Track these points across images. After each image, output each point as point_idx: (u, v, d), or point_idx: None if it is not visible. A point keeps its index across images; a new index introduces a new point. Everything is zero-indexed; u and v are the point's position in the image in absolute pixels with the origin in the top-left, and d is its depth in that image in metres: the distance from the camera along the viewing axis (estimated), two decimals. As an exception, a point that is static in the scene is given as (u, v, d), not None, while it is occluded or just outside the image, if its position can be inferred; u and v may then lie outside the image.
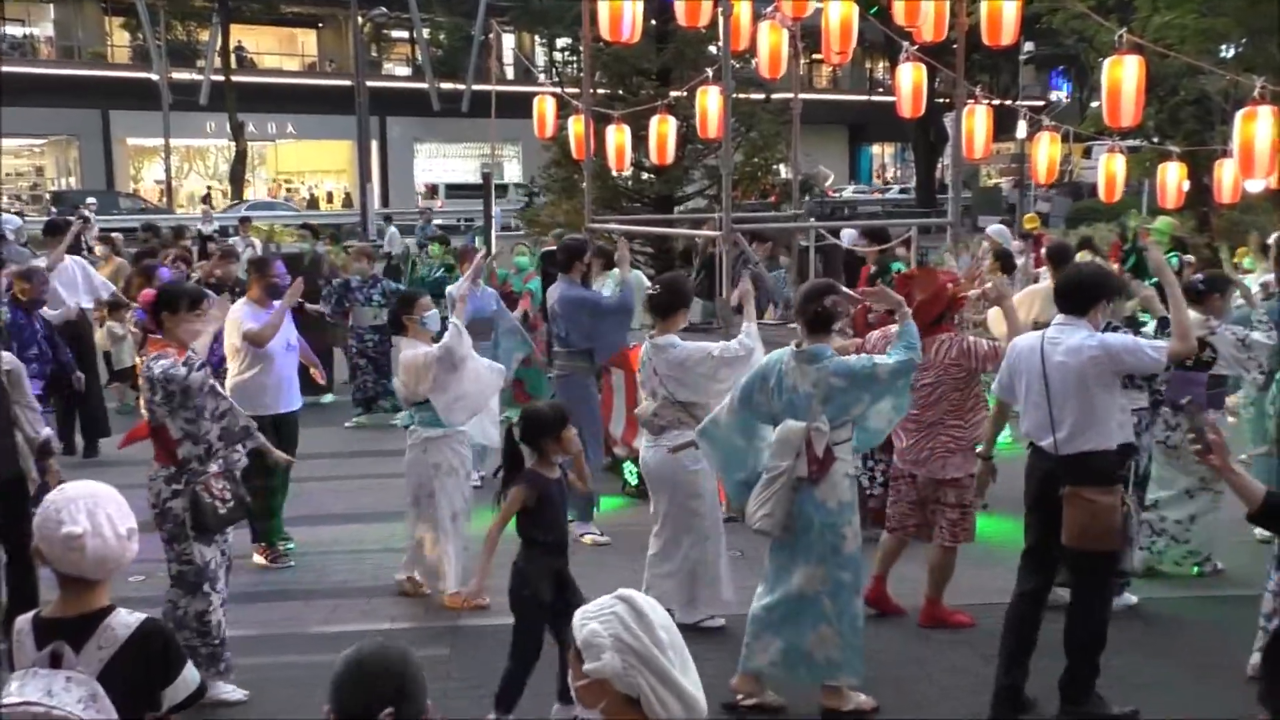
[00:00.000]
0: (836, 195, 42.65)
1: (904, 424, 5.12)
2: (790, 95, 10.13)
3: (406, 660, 1.92)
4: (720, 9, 7.20)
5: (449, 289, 8.30)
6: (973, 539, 5.22)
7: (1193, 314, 5.27)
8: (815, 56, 29.26)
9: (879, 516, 5.93)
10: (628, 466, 7.52)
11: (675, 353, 5.03)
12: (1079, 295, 4.29)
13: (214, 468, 4.41)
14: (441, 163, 47.94)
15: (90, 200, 25.16)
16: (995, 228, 10.97)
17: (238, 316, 6.16)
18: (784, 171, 17.28)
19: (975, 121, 8.15)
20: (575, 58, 21.51)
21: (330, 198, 45.87)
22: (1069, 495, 4.17)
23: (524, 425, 4.19)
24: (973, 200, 34.01)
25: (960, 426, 5.09)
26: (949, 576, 5.27)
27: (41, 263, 8.63)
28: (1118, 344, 4.20)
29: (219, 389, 4.53)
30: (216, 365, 5.85)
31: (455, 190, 36.49)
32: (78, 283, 8.85)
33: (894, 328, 4.73)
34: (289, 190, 45.57)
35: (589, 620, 1.81)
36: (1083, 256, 8.91)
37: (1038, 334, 4.38)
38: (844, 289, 4.64)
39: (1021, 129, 24.12)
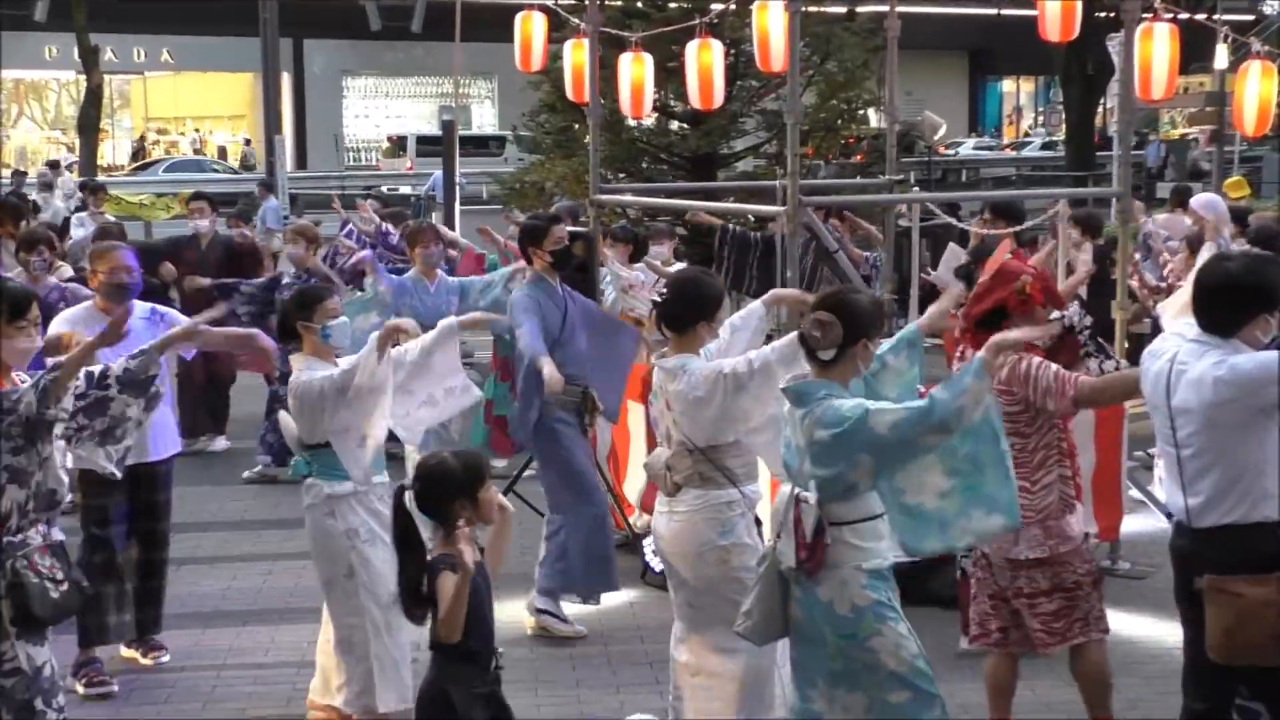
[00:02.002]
0: (950, 153, 42.75)
1: None
2: (884, 8, 10.19)
3: None
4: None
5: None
6: (1100, 630, 5.19)
7: None
8: (920, -47, 29.50)
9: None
10: (648, 543, 7.53)
11: (686, 379, 5.07)
12: (1224, 304, 4.27)
13: (36, 539, 4.49)
14: (381, 105, 48.36)
15: None
16: (1205, 198, 10.85)
17: (71, 328, 6.17)
18: (875, 119, 17.34)
19: (1154, 46, 8.13)
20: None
21: (223, 154, 46.30)
22: (1208, 587, 4.22)
23: (423, 486, 4.24)
24: (1152, 159, 34.04)
25: (1026, 491, 4.96)
26: (1105, 685, 5.25)
27: None
28: (1250, 368, 4.16)
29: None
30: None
31: (431, 146, 36.06)
32: None
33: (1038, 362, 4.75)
34: (170, 144, 46.07)
35: None
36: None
37: (1169, 354, 4.39)
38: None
39: (1221, 56, 24.13)
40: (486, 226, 10.41)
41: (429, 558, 4.20)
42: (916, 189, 11.05)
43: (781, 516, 4.41)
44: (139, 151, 45.44)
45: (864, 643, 4.34)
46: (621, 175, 14.68)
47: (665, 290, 5.33)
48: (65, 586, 4.52)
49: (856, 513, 4.35)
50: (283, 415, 5.81)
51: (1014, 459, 4.62)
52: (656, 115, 14.95)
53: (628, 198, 11.38)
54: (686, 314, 5.15)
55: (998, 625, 5.26)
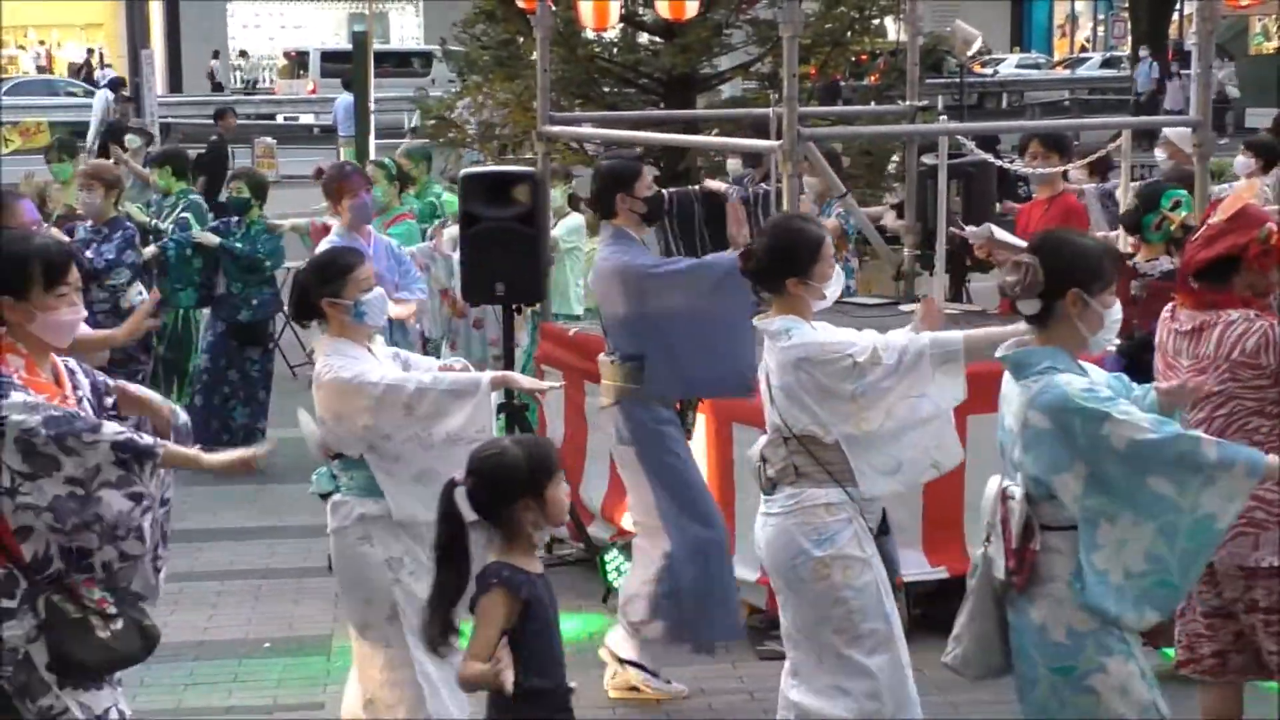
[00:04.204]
0: (988, 73, 42.83)
1: None
2: (906, -106, 10.23)
3: None
4: None
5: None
6: None
7: None
8: None
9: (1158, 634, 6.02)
10: (611, 559, 7.58)
11: (791, 345, 5.10)
12: None
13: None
14: (276, 12, 48.13)
15: None
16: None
17: None
18: (893, 31, 17.35)
19: (1238, -58, 8.20)
20: None
21: (76, 72, 45.99)
22: None
23: (479, 481, 4.24)
24: (1238, 79, 34.21)
25: (1276, 486, 5.06)
26: None
27: None
28: None
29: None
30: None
31: (338, 64, 35.78)
32: None
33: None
34: (8, 59, 45.79)
35: None
36: None
37: None
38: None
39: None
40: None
41: (483, 568, 4.21)
42: (945, 118, 11.06)
43: (990, 515, 4.44)
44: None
45: (1081, 680, 4.34)
46: (578, 101, 14.65)
47: (752, 241, 5.40)
48: (120, 624, 4.43)
49: (1066, 514, 4.37)
50: (302, 415, 5.77)
51: (1264, 445, 4.77)
52: (622, 26, 14.91)
53: (585, 129, 11.37)
54: (774, 268, 5.19)
55: (1212, 650, 5.31)
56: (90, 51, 46.18)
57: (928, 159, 9.97)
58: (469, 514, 4.23)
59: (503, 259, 8.32)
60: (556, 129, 9.67)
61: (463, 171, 10.10)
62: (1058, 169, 9.05)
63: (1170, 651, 5.98)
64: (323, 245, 8.07)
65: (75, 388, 4.57)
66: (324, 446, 5.66)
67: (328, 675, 7.14)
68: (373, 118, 16.10)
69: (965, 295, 9.67)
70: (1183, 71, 34.43)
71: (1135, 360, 6.40)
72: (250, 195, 10.35)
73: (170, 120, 31.62)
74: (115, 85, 28.91)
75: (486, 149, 14.42)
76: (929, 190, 9.41)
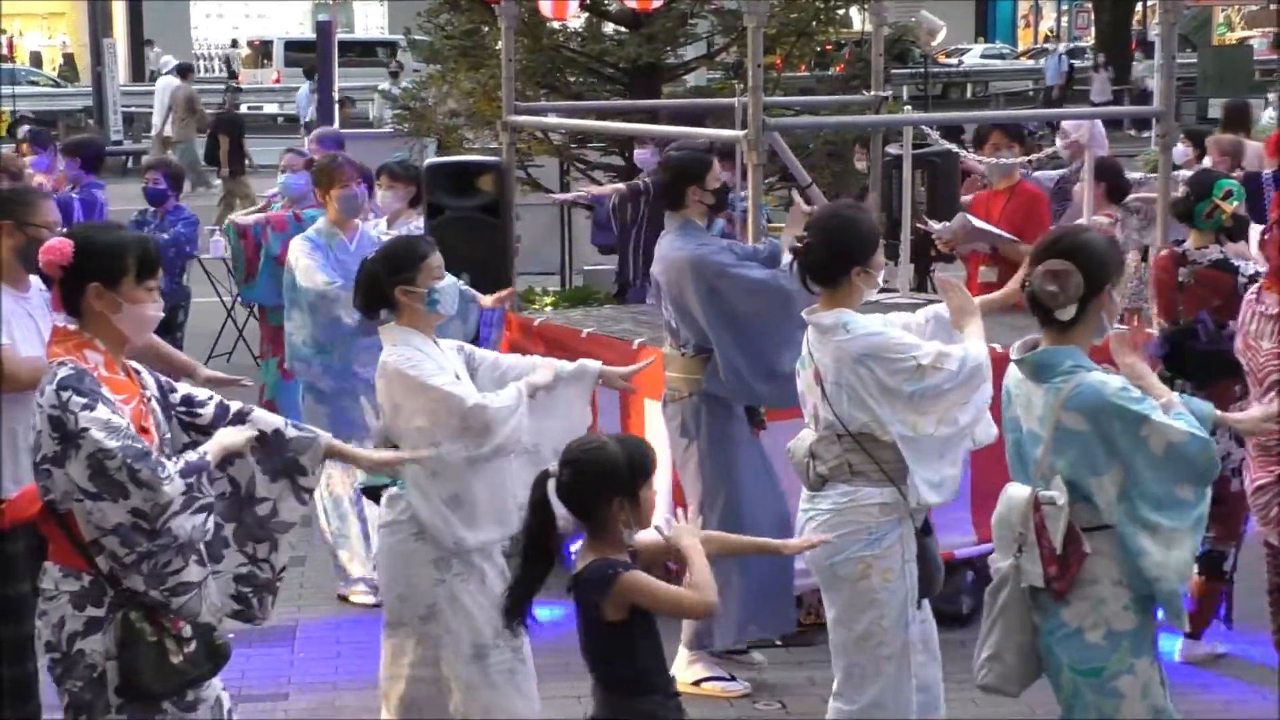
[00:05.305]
0: (953, 63, 42.93)
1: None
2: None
3: None
4: None
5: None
6: None
7: None
8: None
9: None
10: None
11: (851, 339, 5.06)
12: None
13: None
14: (236, 3, 47.90)
15: None
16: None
17: None
18: (858, 20, 17.39)
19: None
20: None
21: (37, 61, 45.79)
22: None
23: (575, 475, 4.23)
24: (1200, 70, 34.37)
25: None
26: None
27: None
28: None
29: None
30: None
31: (302, 53, 35.70)
32: None
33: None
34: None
35: None
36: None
37: None
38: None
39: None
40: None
41: (583, 568, 4.21)
42: (909, 108, 11.10)
43: (1019, 526, 4.42)
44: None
45: (1108, 682, 4.38)
46: (543, 91, 14.62)
47: (806, 234, 5.34)
48: (193, 645, 4.36)
49: (1100, 516, 4.39)
50: (366, 403, 5.73)
51: None
52: (586, 16, 14.89)
53: (550, 119, 11.37)
54: (838, 260, 5.15)
55: (1277, 626, 5.53)
56: (64, 44, 46.01)
57: (892, 149, 10.02)
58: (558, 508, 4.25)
59: (468, 249, 8.28)
60: (522, 119, 9.66)
61: (427, 161, 10.09)
62: (1019, 159, 9.10)
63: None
64: (299, 239, 8.03)
65: (143, 387, 4.53)
66: (383, 436, 5.61)
67: (291, 666, 7.20)
68: (336, 108, 16.04)
69: (929, 285, 9.72)
70: (1102, 64, 34.80)
71: (1176, 346, 6.56)
72: (167, 186, 10.27)
73: (132, 111, 31.42)
74: (184, 71, 28.88)
75: (451, 139, 14.38)
76: (893, 179, 9.44)
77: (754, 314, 6.50)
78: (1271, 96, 21.28)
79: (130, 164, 27.46)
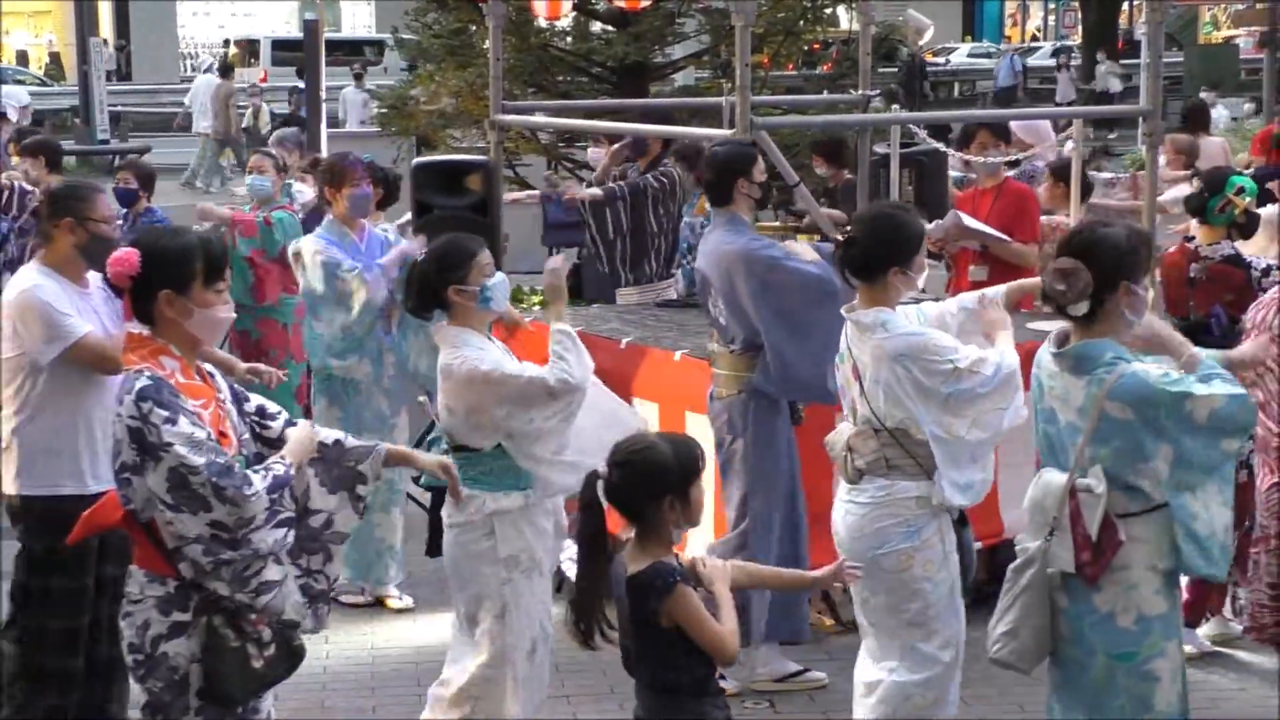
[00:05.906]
0: (940, 61, 42.95)
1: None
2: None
3: None
4: None
5: None
6: None
7: None
8: None
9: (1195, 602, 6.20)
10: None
11: (890, 338, 5.11)
12: None
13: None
14: (223, 1, 47.84)
15: None
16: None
17: (29, 301, 5.71)
18: (845, 20, 17.40)
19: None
20: None
21: (23, 59, 45.70)
22: None
23: (625, 475, 4.23)
24: (1186, 69, 34.44)
25: None
26: None
27: None
28: None
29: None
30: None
31: (289, 52, 35.75)
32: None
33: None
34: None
35: None
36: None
37: None
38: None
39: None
40: (209, 205, 10.29)
41: (638, 570, 4.21)
42: (897, 107, 11.10)
43: (1053, 511, 4.47)
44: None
45: (1142, 665, 4.44)
46: (531, 90, 14.63)
47: (851, 228, 5.38)
48: (272, 649, 4.38)
49: (1137, 503, 4.46)
50: (426, 404, 5.74)
51: None
52: (574, 15, 14.90)
53: (538, 118, 11.36)
54: (879, 258, 5.17)
55: (1275, 620, 5.56)
56: (50, 42, 45.91)
57: (880, 148, 10.02)
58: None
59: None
60: (509, 118, 9.65)
61: (415, 161, 10.08)
62: (1004, 158, 9.10)
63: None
64: (312, 238, 7.99)
65: (218, 390, 4.51)
66: (450, 438, 5.64)
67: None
68: (324, 107, 15.98)
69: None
70: (1072, 63, 34.82)
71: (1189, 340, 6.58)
72: (138, 186, 10.20)
73: (119, 110, 31.37)
74: (226, 70, 28.92)
75: (439, 137, 14.38)
76: (881, 178, 9.44)
77: (805, 308, 6.50)
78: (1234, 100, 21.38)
79: (116, 163, 27.38)
